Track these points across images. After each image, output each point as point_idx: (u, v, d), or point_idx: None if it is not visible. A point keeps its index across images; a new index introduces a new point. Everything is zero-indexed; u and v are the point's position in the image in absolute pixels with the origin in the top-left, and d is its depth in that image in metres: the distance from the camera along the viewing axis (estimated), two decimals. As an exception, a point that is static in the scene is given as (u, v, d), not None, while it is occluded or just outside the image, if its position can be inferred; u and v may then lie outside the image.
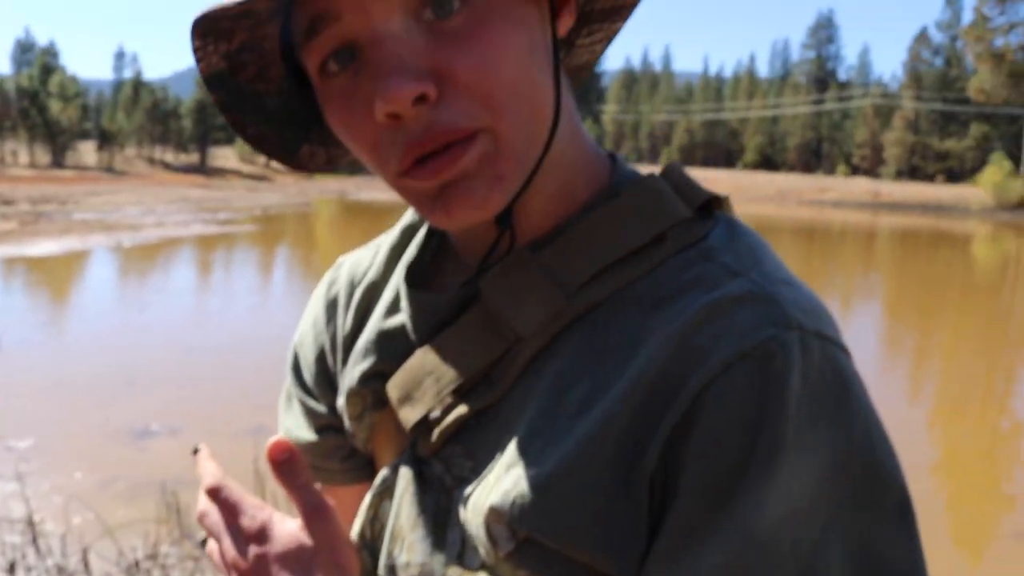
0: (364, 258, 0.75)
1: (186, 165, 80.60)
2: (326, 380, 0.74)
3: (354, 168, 0.70)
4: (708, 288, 0.54)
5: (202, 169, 77.72)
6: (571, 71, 0.68)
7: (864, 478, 0.51)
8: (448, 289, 0.64)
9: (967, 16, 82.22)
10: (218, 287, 13.08)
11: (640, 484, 0.52)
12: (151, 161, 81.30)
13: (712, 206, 0.62)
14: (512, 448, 0.56)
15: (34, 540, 3.30)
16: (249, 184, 56.72)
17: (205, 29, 0.53)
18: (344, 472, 0.74)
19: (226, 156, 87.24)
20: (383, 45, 0.52)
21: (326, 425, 0.74)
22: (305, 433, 0.75)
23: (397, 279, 0.68)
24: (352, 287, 0.74)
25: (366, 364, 0.67)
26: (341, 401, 0.70)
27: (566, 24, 0.59)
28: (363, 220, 28.80)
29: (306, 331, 0.77)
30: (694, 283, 0.55)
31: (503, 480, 0.55)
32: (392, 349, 0.65)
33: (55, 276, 13.50)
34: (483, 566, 0.57)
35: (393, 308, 0.68)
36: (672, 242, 0.58)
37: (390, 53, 0.52)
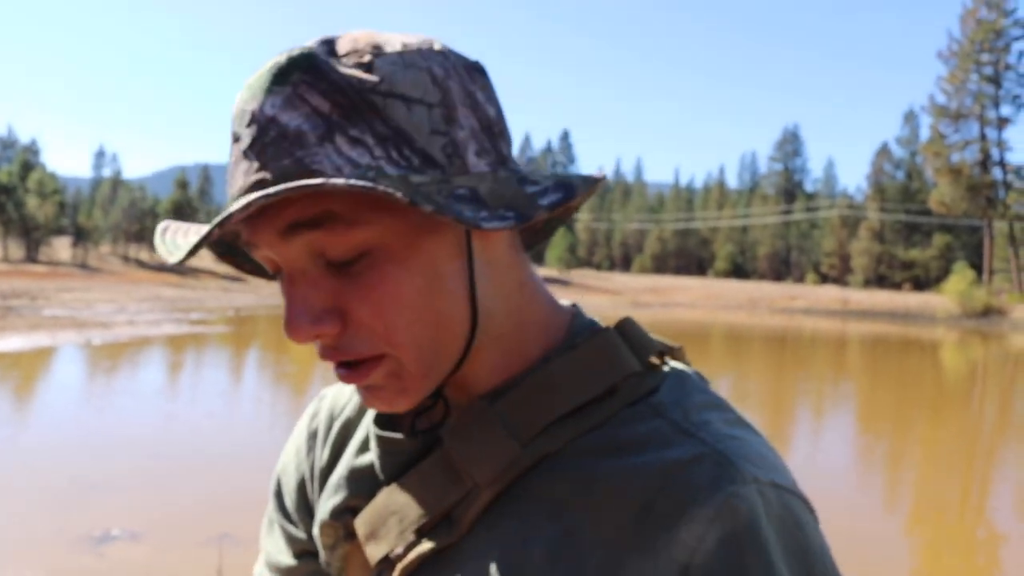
0: (344, 393, 0.79)
1: (160, 264, 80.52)
2: (305, 508, 0.77)
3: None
4: (660, 446, 0.57)
5: (177, 268, 77.63)
6: (554, 215, 0.69)
7: None
8: (415, 432, 0.67)
9: (924, 132, 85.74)
10: (186, 389, 12.88)
11: None
12: (126, 259, 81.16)
13: (664, 357, 0.66)
14: None
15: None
16: (223, 284, 56.60)
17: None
18: None
19: (201, 256, 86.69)
20: (293, 281, 0.58)
21: (305, 551, 0.77)
22: (285, 558, 0.78)
23: (369, 418, 0.73)
24: (331, 420, 0.77)
25: (337, 499, 0.71)
26: (316, 531, 0.73)
27: (496, 238, 0.61)
28: (337, 321, 28.69)
29: (288, 460, 0.80)
30: (646, 439, 0.58)
31: None
32: (361, 486, 0.69)
33: (21, 372, 13.23)
34: None
35: (364, 446, 0.72)
36: (623, 394, 0.62)
37: (295, 293, 0.58)
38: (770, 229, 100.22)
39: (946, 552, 6.22)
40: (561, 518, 0.57)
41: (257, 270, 0.69)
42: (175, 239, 0.61)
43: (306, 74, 0.55)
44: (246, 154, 0.56)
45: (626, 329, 0.66)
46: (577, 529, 0.57)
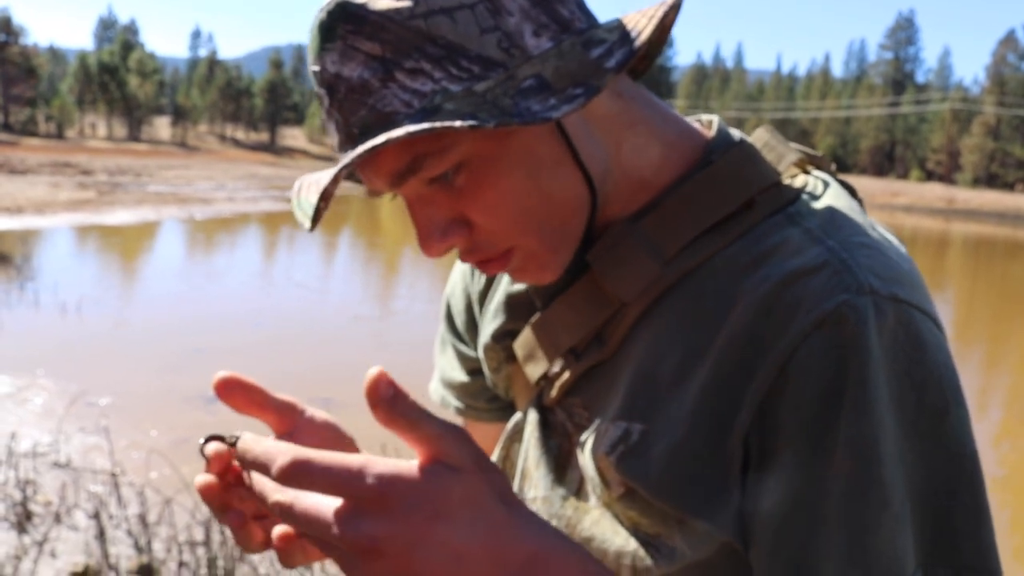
0: None
1: (256, 143, 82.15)
2: (474, 327, 0.82)
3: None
4: (790, 255, 0.58)
5: (271, 147, 79.17)
6: (652, 40, 0.64)
7: (934, 439, 0.55)
8: None
9: (1057, 20, 78.84)
10: (284, 262, 13.37)
11: (733, 444, 0.56)
12: (222, 138, 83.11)
13: (805, 165, 0.66)
14: (619, 404, 0.63)
15: (116, 490, 3.46)
16: (316, 164, 57.50)
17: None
18: (489, 411, 0.84)
19: (295, 136, 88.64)
20: (413, 207, 0.61)
21: (476, 368, 0.83)
22: (458, 374, 0.84)
23: None
24: None
25: (496, 324, 0.76)
26: (481, 354, 0.79)
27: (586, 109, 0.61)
28: (426, 204, 28.97)
29: (456, 282, 0.85)
30: (778, 248, 0.59)
31: (611, 432, 0.62)
32: (518, 311, 0.74)
33: (131, 245, 13.94)
34: (597, 503, 0.65)
35: None
36: (761, 207, 0.62)
37: (418, 216, 0.61)
38: (875, 121, 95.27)
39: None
40: (693, 333, 0.60)
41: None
42: (309, 198, 0.61)
43: (348, 23, 0.56)
44: (330, 113, 0.59)
45: (764, 139, 0.66)
46: (705, 343, 0.59)
